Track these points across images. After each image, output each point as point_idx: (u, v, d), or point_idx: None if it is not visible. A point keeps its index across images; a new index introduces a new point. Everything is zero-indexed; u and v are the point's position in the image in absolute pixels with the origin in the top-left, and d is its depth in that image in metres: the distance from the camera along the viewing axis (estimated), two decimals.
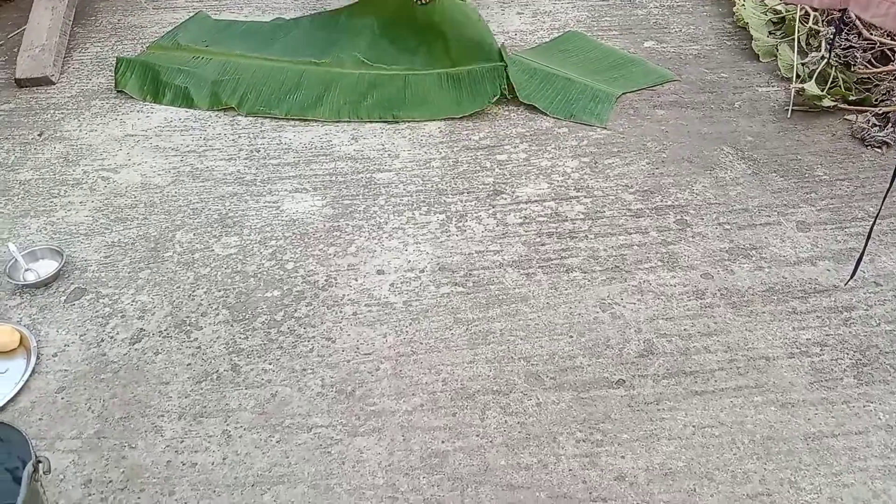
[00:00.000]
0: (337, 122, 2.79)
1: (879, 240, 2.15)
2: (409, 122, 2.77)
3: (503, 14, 3.40)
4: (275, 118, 2.79)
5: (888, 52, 2.81)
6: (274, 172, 2.52)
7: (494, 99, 2.77)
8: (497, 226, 2.27)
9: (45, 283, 2.11)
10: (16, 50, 3.13)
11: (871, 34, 2.81)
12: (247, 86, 2.92)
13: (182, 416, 1.76)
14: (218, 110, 2.86)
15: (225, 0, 3.63)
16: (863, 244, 2.02)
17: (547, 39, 3.21)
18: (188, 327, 1.98)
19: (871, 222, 2.16)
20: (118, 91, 2.96)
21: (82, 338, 1.96)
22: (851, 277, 1.99)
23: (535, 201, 2.36)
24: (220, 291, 2.08)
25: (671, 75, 2.95)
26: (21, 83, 3.01)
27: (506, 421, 1.73)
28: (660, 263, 2.12)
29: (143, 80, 2.99)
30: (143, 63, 3.02)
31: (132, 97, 2.94)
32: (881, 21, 1.47)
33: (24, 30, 3.19)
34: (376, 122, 2.78)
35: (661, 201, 2.33)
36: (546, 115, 2.75)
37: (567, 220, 2.28)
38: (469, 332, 1.95)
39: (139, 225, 2.32)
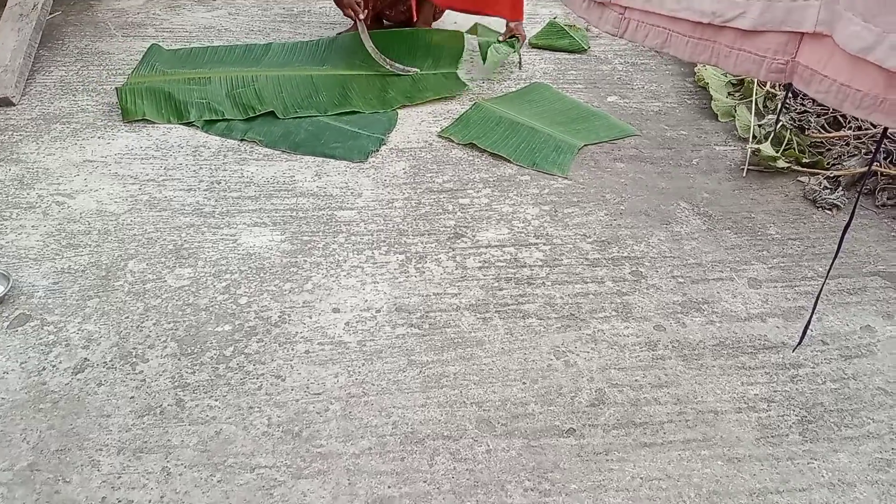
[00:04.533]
0: (372, 114, 3.04)
1: (827, 300, 2.20)
2: (424, 103, 3.14)
3: (472, 62, 3.46)
4: (268, 147, 2.81)
5: (840, 119, 2.92)
6: (234, 205, 2.50)
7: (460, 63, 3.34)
8: (456, 269, 2.28)
9: None
10: None
11: None
12: (268, 93, 3.05)
13: (121, 451, 1.70)
14: (252, 118, 2.93)
15: (195, 34, 3.64)
16: (811, 304, 2.07)
17: (514, 89, 3.27)
18: (134, 359, 1.93)
19: (819, 282, 2.22)
20: (128, 121, 2.91)
21: (23, 365, 1.90)
22: (800, 343, 2.02)
23: (495, 246, 2.37)
24: (169, 324, 2.04)
25: (632, 130, 3.02)
26: None
27: (454, 467, 1.70)
28: (614, 313, 2.14)
29: (158, 103, 2.98)
30: (150, 88, 3.02)
31: (144, 122, 2.93)
32: (823, 97, 1.51)
33: None
34: (409, 106, 3.10)
35: (618, 252, 2.36)
36: (510, 162, 2.78)
37: (525, 267, 2.29)
38: (422, 375, 1.93)
39: (91, 252, 2.27)
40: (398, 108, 3.07)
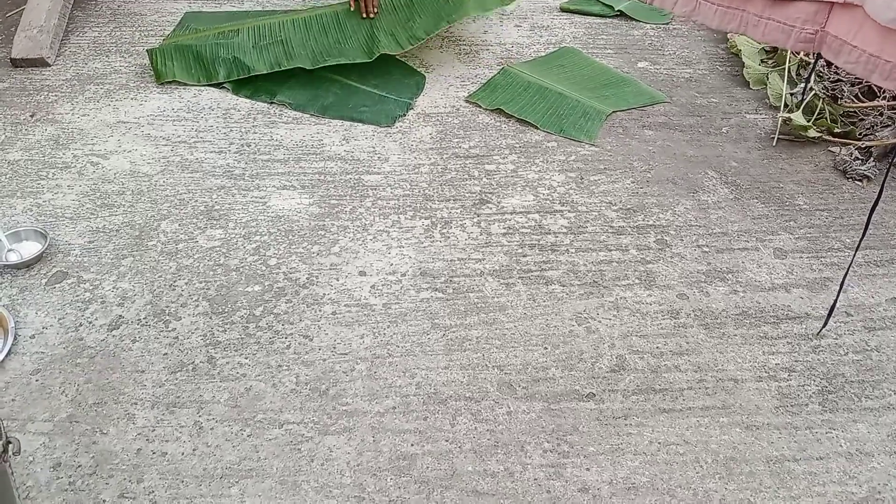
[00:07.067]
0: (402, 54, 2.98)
1: (853, 271, 2.19)
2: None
3: (501, 26, 3.44)
4: (280, 105, 2.81)
5: (875, 88, 2.87)
6: (263, 168, 2.54)
7: None
8: (480, 234, 2.30)
9: (27, 265, 2.12)
10: (13, 29, 3.13)
11: None
12: (294, 43, 2.95)
13: (155, 405, 1.77)
14: (282, 71, 2.89)
15: None
16: (836, 275, 2.06)
17: (543, 53, 3.24)
18: (167, 317, 1.99)
19: (846, 253, 2.21)
20: (161, 83, 2.94)
21: (61, 321, 1.97)
22: (825, 325, 2.00)
23: (520, 213, 2.39)
24: (201, 283, 2.10)
25: (662, 97, 2.99)
26: (16, 63, 3.02)
27: (476, 427, 1.75)
28: (637, 281, 2.15)
29: (187, 63, 2.98)
30: (178, 47, 3.01)
31: (175, 84, 2.94)
32: (852, 68, 1.49)
33: (23, 10, 3.19)
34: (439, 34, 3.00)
35: (643, 220, 2.37)
36: (537, 128, 2.78)
37: (550, 234, 2.31)
38: (446, 338, 1.97)
39: (125, 212, 2.33)
40: (428, 38, 2.96)
